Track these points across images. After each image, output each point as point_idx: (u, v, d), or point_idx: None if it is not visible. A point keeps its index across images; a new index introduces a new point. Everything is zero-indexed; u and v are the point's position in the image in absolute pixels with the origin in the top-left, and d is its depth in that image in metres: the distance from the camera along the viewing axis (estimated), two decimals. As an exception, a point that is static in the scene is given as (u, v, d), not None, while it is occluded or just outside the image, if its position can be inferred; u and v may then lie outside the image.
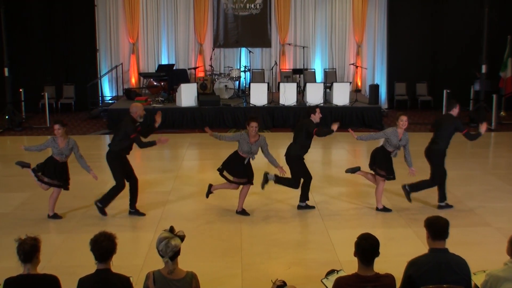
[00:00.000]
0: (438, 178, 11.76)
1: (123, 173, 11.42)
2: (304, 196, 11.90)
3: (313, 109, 11.73)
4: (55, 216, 11.45)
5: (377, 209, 11.87)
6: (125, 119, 11.37)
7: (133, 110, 11.32)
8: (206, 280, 6.99)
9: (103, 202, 11.41)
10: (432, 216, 6.37)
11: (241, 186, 11.56)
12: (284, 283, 6.29)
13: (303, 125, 11.68)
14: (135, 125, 11.24)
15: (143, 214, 11.56)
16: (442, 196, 11.91)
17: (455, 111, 11.73)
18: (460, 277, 6.12)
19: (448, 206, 11.85)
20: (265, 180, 11.75)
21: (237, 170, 11.38)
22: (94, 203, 11.41)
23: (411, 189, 11.87)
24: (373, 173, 11.75)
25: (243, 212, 11.68)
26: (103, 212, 11.40)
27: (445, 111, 12.16)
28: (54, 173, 11.35)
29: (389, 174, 11.54)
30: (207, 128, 11.76)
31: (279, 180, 11.79)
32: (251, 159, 11.38)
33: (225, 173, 11.41)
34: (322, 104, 20.87)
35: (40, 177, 11.36)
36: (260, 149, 11.32)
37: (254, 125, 11.07)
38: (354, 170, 11.93)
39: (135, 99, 21.81)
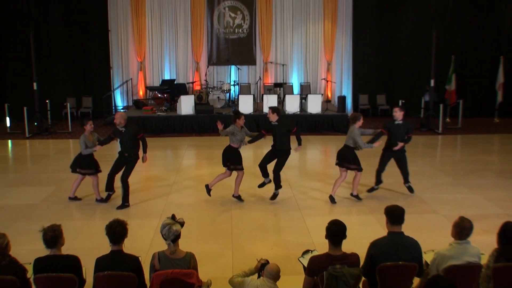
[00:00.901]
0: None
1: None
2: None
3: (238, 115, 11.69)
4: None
5: (351, 194, 11.95)
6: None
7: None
8: (202, 259, 6.98)
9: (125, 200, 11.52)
10: (391, 205, 6.40)
11: (235, 174, 11.59)
12: (267, 261, 6.29)
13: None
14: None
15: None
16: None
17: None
18: (413, 255, 6.15)
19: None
20: (263, 184, 11.87)
21: (236, 159, 11.47)
22: (122, 207, 11.45)
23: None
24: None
25: (239, 198, 11.75)
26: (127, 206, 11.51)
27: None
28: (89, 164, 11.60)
29: (359, 165, 11.54)
30: (218, 123, 11.59)
31: (277, 184, 11.81)
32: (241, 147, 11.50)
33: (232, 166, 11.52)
34: (298, 112, 20.95)
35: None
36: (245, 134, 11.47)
37: (243, 118, 11.40)
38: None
39: (143, 108, 21.83)
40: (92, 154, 11.61)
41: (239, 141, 11.39)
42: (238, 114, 11.53)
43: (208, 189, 11.77)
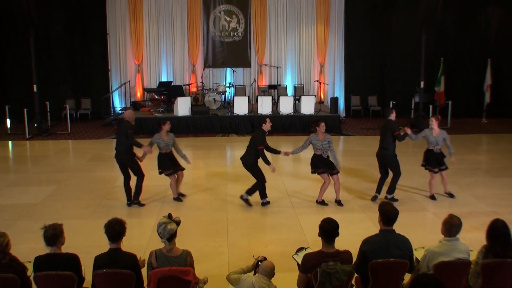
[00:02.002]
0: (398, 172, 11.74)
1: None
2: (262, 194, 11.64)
3: (263, 119, 11.59)
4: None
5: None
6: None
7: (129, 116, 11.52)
8: (198, 256, 6.97)
9: (136, 196, 11.53)
10: (387, 204, 6.38)
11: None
12: (264, 258, 6.28)
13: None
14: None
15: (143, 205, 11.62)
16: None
17: (393, 116, 11.71)
18: (404, 252, 6.15)
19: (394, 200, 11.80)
20: (246, 201, 11.71)
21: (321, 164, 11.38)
22: (134, 203, 11.51)
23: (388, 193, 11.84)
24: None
25: (339, 202, 11.67)
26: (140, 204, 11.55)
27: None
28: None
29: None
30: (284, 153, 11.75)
31: (251, 191, 11.66)
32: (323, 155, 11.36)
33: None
34: (292, 113, 20.96)
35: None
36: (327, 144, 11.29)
37: (323, 125, 11.35)
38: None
39: (140, 110, 21.81)
40: (171, 153, 11.65)
41: (320, 149, 11.32)
42: (317, 121, 11.52)
43: (321, 202, 11.66)
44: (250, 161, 11.30)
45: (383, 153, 11.58)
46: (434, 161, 11.71)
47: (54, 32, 23.44)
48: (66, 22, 23.54)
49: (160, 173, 11.64)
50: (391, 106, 21.30)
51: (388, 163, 11.62)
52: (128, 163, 11.38)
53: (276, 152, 11.60)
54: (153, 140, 11.49)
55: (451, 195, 11.99)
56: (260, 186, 11.42)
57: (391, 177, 11.61)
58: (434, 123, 11.68)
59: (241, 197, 11.58)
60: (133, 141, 11.15)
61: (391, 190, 11.70)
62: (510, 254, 6.10)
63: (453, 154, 11.73)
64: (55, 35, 23.49)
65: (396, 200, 11.60)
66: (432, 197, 11.89)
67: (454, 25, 24.45)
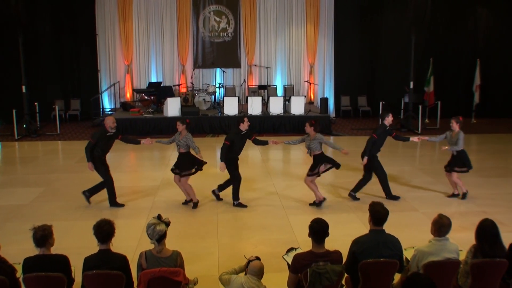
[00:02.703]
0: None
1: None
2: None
3: (241, 118, 11.55)
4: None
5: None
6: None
7: (105, 122, 11.40)
8: (189, 257, 6.97)
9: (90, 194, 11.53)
10: (377, 204, 6.41)
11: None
12: (257, 258, 6.28)
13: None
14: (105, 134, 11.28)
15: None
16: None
17: (387, 120, 11.76)
18: (394, 252, 6.18)
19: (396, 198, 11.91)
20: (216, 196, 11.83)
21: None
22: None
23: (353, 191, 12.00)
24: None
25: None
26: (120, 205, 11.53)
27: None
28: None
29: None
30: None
31: (222, 187, 11.78)
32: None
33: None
34: (282, 114, 20.98)
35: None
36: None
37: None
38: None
39: (130, 110, 21.77)
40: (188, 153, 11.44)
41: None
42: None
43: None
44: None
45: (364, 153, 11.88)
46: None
47: (43, 33, 23.33)
48: (55, 23, 23.48)
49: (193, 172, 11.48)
50: (381, 106, 21.44)
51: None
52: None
53: (264, 143, 11.70)
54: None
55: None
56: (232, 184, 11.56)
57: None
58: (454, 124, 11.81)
59: (213, 191, 11.83)
60: (86, 147, 11.24)
61: (356, 189, 12.01)
62: (499, 253, 6.14)
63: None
64: (44, 35, 23.40)
65: (358, 199, 11.85)
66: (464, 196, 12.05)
67: (443, 25, 24.55)
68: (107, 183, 11.42)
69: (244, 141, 11.42)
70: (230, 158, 11.25)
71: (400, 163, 14.73)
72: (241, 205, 11.44)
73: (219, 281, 6.26)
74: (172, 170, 11.46)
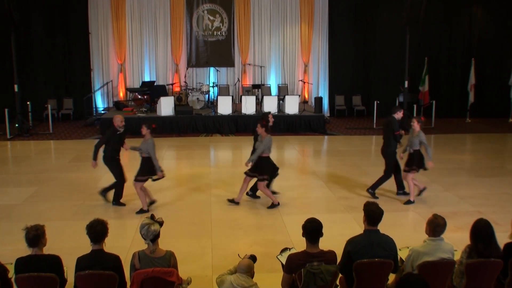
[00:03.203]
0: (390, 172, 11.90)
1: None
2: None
3: (265, 115, 11.61)
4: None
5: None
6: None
7: (113, 120, 11.49)
8: (182, 257, 6.96)
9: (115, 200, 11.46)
10: (371, 204, 6.42)
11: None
12: (251, 256, 6.27)
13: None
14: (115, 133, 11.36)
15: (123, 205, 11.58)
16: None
17: (398, 115, 11.78)
18: (388, 252, 6.19)
19: (405, 194, 11.94)
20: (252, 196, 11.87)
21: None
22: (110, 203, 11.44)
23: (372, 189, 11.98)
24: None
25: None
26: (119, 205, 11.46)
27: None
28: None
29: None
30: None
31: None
32: None
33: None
34: (276, 113, 20.97)
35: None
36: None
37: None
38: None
39: (123, 109, 21.72)
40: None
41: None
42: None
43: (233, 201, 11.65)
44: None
45: (383, 149, 11.85)
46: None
47: (35, 32, 23.25)
48: (48, 21, 23.38)
49: None
50: (375, 105, 21.46)
51: (385, 160, 11.84)
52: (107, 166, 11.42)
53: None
54: None
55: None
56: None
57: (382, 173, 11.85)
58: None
59: (247, 193, 11.80)
60: (96, 145, 11.33)
61: (374, 186, 11.92)
62: (494, 253, 6.15)
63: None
64: (36, 34, 23.30)
65: (377, 197, 11.76)
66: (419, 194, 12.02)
67: (438, 24, 24.56)
68: (119, 184, 11.45)
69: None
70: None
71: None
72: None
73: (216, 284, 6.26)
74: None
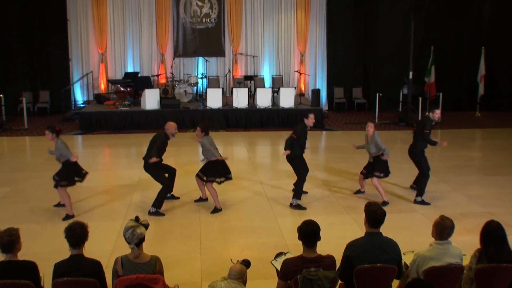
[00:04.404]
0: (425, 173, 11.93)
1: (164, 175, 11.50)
2: None
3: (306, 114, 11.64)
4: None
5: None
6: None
7: (167, 127, 11.37)
8: (169, 263, 6.97)
9: (157, 205, 11.25)
10: (373, 205, 6.38)
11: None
12: (244, 261, 6.28)
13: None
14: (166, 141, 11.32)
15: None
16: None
17: (432, 115, 11.74)
18: (392, 257, 6.18)
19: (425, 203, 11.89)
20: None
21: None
22: (149, 213, 11.09)
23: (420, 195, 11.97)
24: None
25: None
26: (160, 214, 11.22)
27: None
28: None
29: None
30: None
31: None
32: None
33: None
34: (270, 107, 20.97)
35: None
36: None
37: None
38: None
39: (104, 103, 21.67)
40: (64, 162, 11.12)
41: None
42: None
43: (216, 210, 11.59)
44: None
45: (410, 149, 11.98)
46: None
47: (8, 18, 23.16)
48: (22, 7, 23.26)
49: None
50: (377, 98, 21.50)
51: (414, 160, 11.95)
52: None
53: None
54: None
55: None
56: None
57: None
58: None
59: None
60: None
61: (420, 191, 11.88)
62: (506, 258, 6.16)
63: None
64: (9, 21, 23.20)
65: (429, 203, 11.76)
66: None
67: (445, 10, 24.55)
68: (165, 189, 11.37)
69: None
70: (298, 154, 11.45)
71: (399, 160, 14.77)
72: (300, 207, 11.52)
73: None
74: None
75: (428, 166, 11.81)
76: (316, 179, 13.27)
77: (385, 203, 11.40)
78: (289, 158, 11.47)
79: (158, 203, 11.10)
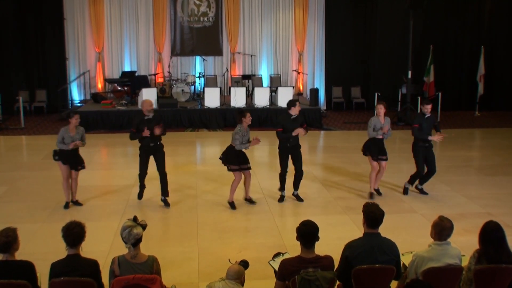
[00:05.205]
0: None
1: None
2: None
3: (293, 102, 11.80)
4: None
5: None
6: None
7: (142, 105, 11.57)
8: (166, 263, 6.97)
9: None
10: (372, 206, 6.38)
11: (243, 176, 11.47)
12: (243, 262, 6.29)
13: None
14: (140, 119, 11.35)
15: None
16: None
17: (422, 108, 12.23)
18: (390, 258, 6.19)
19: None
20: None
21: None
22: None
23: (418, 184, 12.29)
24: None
25: (250, 200, 11.75)
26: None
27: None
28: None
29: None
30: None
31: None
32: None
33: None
34: (268, 106, 20.97)
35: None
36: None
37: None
38: None
39: (101, 102, 21.67)
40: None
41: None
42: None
43: (232, 204, 11.53)
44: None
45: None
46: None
47: (4, 17, 23.10)
48: (19, 6, 23.22)
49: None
50: (376, 97, 21.51)
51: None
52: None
53: None
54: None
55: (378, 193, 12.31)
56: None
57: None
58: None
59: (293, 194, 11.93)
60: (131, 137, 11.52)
61: (411, 180, 12.30)
62: (505, 258, 6.16)
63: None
64: (6, 19, 23.15)
65: (407, 194, 12.14)
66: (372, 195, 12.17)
67: (444, 9, 24.54)
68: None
69: (295, 126, 11.58)
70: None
71: (397, 160, 14.78)
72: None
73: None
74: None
75: (421, 167, 11.91)
76: (314, 179, 13.27)
77: (372, 194, 11.89)
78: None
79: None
